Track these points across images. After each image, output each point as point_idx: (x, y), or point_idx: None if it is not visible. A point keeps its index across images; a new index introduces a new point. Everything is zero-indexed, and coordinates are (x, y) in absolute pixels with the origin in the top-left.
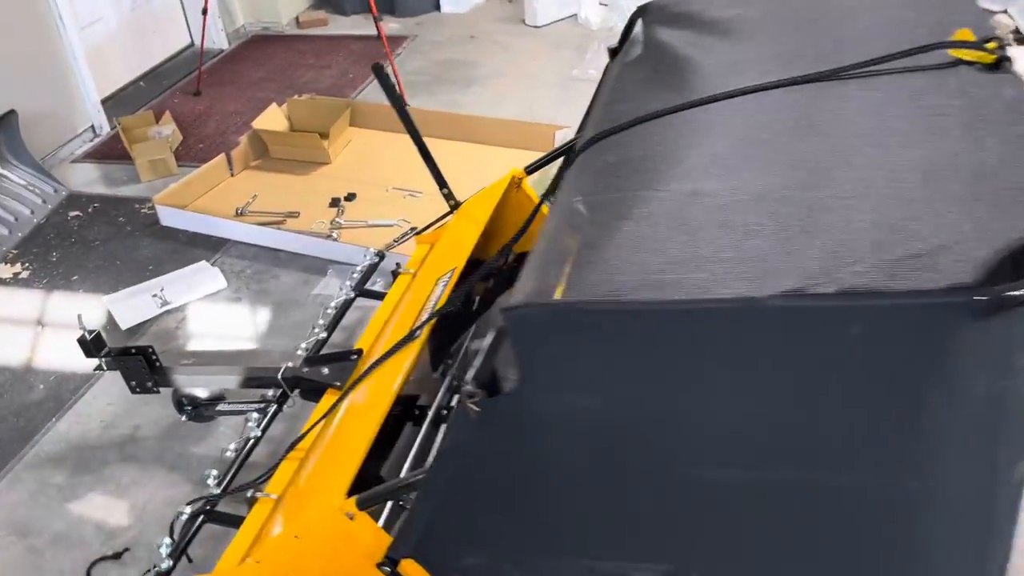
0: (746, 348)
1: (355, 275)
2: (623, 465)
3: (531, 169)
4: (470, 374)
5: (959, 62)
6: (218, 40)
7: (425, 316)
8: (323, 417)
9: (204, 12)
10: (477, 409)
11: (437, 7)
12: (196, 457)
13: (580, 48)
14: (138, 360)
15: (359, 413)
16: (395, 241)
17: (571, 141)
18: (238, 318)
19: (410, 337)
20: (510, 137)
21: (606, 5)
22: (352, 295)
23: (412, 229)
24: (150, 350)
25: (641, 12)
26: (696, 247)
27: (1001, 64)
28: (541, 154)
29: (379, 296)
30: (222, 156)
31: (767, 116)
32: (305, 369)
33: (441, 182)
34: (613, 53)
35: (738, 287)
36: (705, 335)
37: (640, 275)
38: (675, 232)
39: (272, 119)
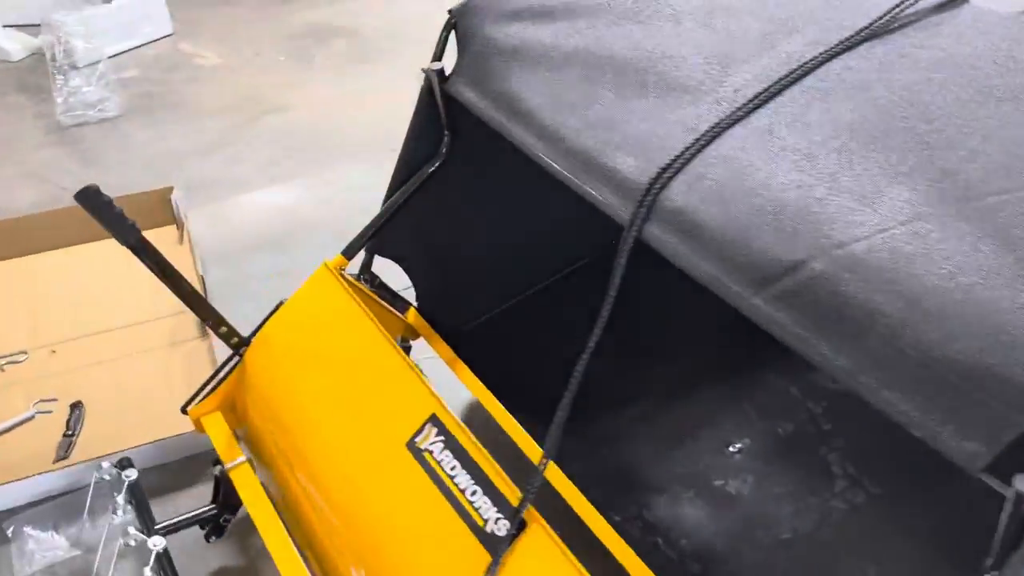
0: None
1: (118, 512)
2: None
3: (350, 253)
4: None
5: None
6: None
7: (476, 497)
8: None
9: None
10: None
11: None
12: None
13: (29, 87)
14: None
15: None
16: (68, 436)
17: (391, 209)
18: None
19: (518, 531)
20: None
21: (38, 25)
22: (159, 543)
23: (76, 405)
24: None
25: (460, 16)
26: None
27: None
28: (168, 229)
29: (194, 523)
30: None
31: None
32: None
33: (218, 320)
34: (440, 73)
35: None
36: None
37: None
38: None
39: None
